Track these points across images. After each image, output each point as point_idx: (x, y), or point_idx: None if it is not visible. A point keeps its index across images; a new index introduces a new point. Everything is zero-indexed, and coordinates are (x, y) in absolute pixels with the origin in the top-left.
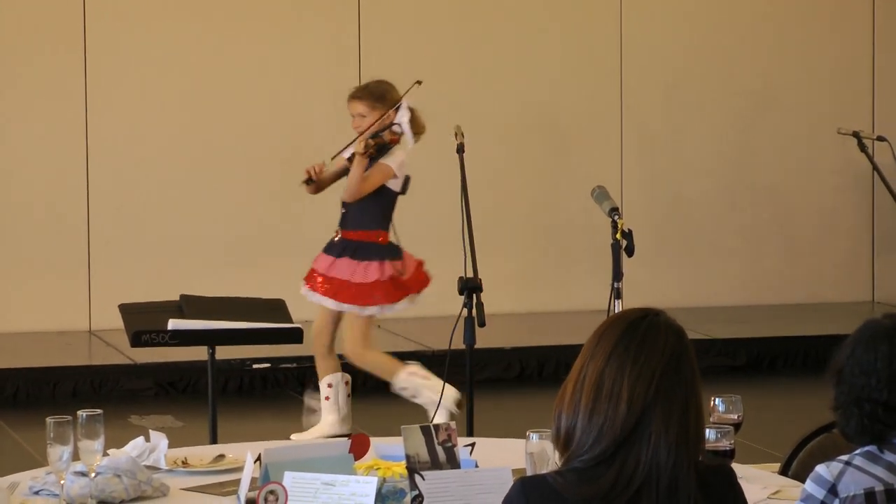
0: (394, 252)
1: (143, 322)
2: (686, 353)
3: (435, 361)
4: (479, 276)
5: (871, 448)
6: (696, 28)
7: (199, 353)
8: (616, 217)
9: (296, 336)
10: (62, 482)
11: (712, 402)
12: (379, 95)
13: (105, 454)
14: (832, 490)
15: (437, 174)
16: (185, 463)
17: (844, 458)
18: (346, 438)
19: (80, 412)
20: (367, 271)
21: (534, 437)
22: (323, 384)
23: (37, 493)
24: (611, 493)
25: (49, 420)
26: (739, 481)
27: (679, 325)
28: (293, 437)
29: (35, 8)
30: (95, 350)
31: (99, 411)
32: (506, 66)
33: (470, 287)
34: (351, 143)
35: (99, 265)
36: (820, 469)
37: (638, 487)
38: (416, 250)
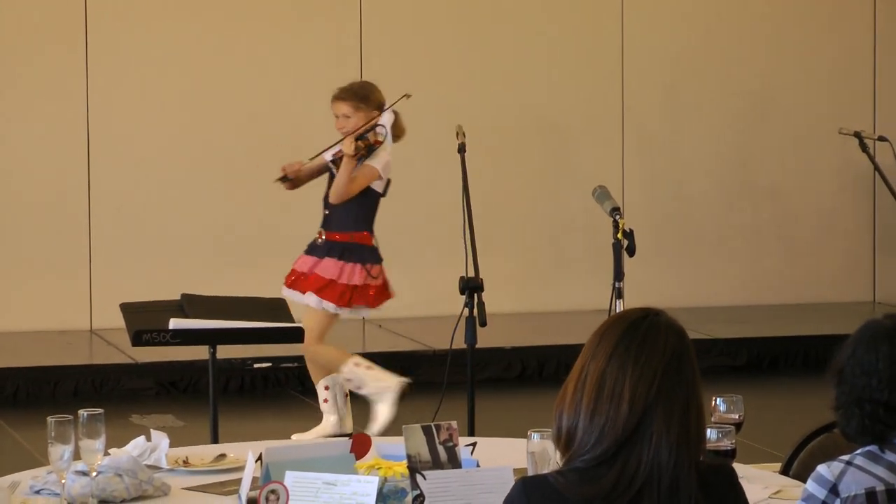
0: (376, 255)
1: (145, 321)
2: (687, 353)
3: (436, 361)
4: (481, 276)
5: (872, 448)
6: (697, 28)
7: (200, 352)
8: (617, 217)
9: (297, 335)
10: (63, 481)
11: (713, 402)
12: (363, 96)
13: (106, 453)
14: (833, 490)
15: (438, 174)
16: (186, 462)
17: (845, 457)
18: (347, 438)
19: (81, 411)
20: (353, 273)
21: (535, 436)
22: (320, 387)
23: (38, 492)
24: (612, 493)
25: (50, 419)
26: (740, 481)
27: (680, 325)
28: (294, 436)
29: (36, 8)
30: (96, 349)
31: (100, 410)
32: (507, 67)
33: (471, 287)
34: (336, 143)
35: (100, 264)
36: (821, 469)
37: (639, 487)
38: (418, 250)
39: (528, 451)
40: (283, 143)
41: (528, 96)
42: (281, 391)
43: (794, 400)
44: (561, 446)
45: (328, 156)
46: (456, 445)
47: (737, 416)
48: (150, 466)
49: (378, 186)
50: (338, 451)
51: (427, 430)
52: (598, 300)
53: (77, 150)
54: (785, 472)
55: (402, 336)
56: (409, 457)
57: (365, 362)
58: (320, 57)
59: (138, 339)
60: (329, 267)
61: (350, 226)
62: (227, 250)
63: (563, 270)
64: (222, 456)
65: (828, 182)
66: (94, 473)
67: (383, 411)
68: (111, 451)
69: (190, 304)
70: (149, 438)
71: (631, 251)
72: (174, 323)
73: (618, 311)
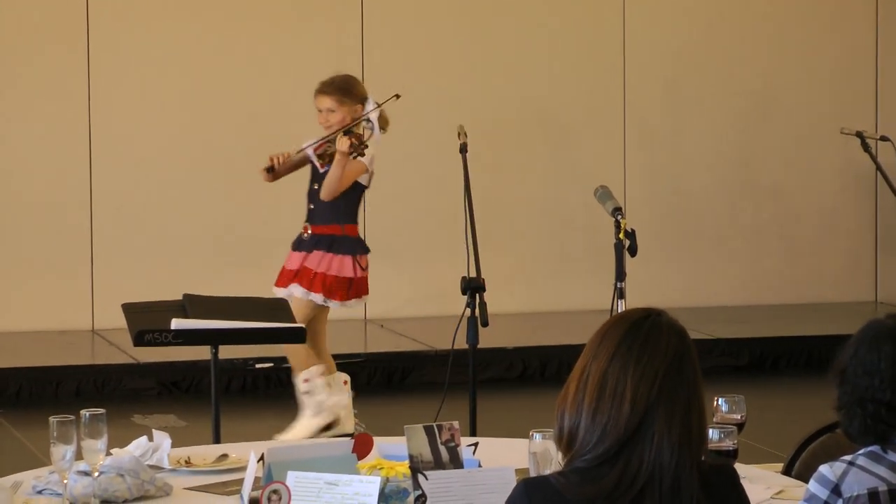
0: (364, 246)
1: (147, 321)
2: (688, 353)
3: (438, 361)
4: (482, 276)
5: (875, 448)
6: (699, 24)
7: (202, 352)
8: (619, 217)
9: (299, 335)
10: (65, 481)
11: (716, 402)
12: (346, 90)
13: (108, 453)
14: (835, 490)
15: (439, 171)
16: (188, 462)
17: (848, 458)
18: (349, 438)
19: (83, 411)
20: (342, 265)
21: (537, 436)
22: (299, 380)
23: (40, 492)
24: (614, 493)
25: (52, 419)
26: (742, 481)
27: (681, 325)
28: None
29: (37, 8)
30: (98, 349)
31: (102, 411)
32: (508, 63)
33: (473, 287)
34: (325, 138)
35: (101, 264)
36: (823, 469)
37: (641, 487)
38: (419, 250)
39: (530, 451)
40: (284, 143)
41: (529, 93)
42: (283, 391)
43: (796, 400)
44: (563, 446)
45: (311, 150)
46: (458, 445)
47: (739, 417)
48: (152, 466)
49: (364, 180)
50: (340, 452)
51: (429, 431)
52: (599, 300)
53: (78, 150)
54: (787, 472)
55: (404, 336)
56: (411, 457)
57: (331, 379)
58: (320, 57)
59: (140, 340)
60: (317, 260)
61: (336, 219)
62: (228, 250)
63: (565, 270)
64: (224, 456)
65: (830, 182)
66: (97, 473)
67: (304, 427)
68: (113, 451)
69: (192, 305)
70: (151, 438)
71: (633, 251)
72: (176, 323)
73: (620, 311)
